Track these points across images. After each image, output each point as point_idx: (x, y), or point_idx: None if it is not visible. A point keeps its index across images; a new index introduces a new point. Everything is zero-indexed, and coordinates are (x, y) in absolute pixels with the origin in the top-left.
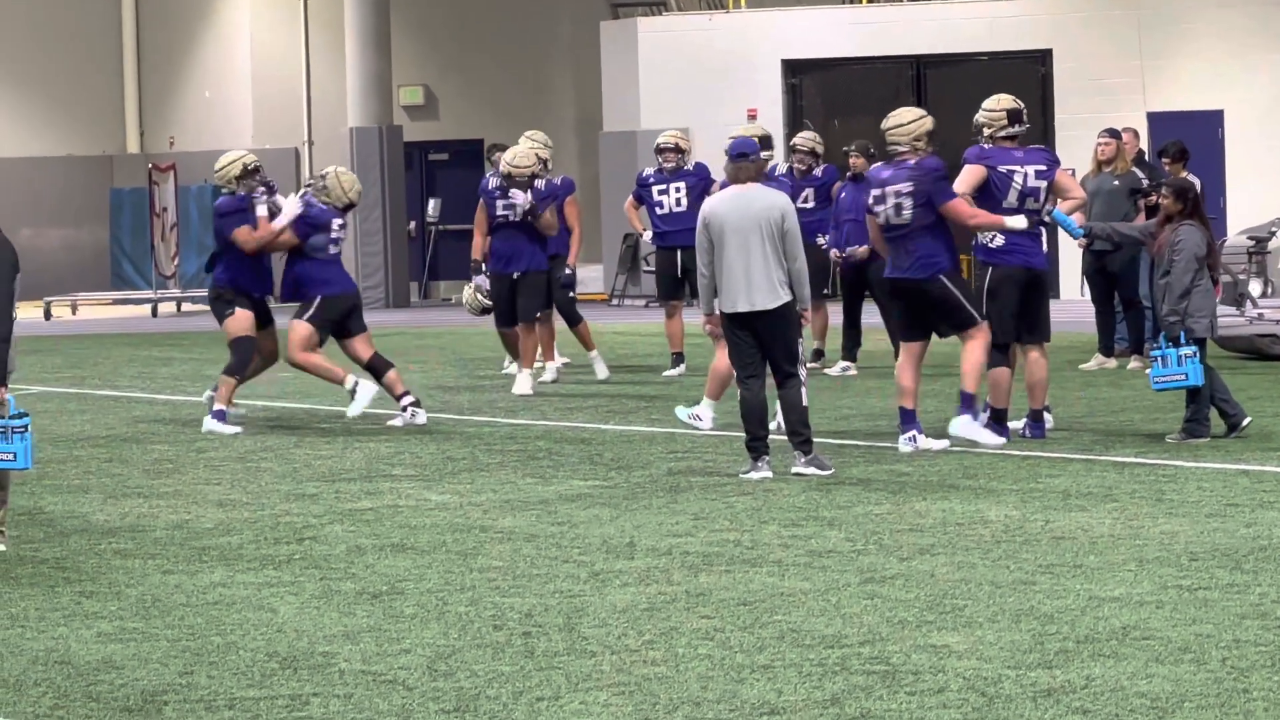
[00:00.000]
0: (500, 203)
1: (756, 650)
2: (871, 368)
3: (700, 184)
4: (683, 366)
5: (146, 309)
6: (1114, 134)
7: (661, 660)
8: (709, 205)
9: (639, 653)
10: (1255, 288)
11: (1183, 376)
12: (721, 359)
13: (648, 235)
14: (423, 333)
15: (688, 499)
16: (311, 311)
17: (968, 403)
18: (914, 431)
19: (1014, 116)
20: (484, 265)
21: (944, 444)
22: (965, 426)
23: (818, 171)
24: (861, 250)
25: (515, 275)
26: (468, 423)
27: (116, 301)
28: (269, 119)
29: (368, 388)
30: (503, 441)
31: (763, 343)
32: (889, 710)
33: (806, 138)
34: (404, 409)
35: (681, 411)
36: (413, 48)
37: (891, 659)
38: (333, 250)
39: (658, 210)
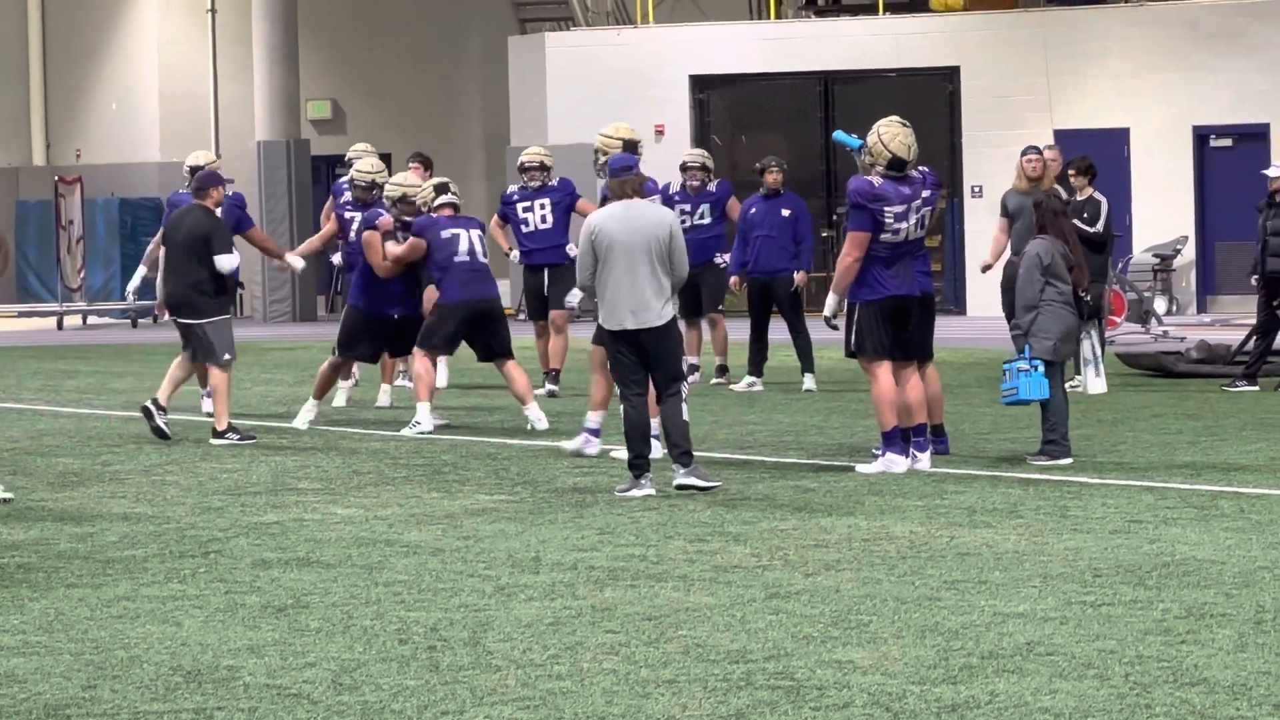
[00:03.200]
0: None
1: (661, 665)
2: (777, 383)
3: (566, 200)
4: (556, 386)
5: (52, 321)
6: (1041, 152)
7: (566, 675)
8: (597, 219)
9: (544, 667)
10: (1160, 305)
11: (1014, 391)
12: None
13: (514, 255)
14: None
15: (593, 514)
16: None
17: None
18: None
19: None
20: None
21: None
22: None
23: (711, 187)
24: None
25: (396, 316)
26: (373, 437)
27: (21, 314)
28: (176, 132)
29: None
30: (408, 456)
31: (648, 359)
32: None
33: (696, 155)
34: None
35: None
36: (321, 62)
37: (796, 674)
38: None
39: (523, 228)
